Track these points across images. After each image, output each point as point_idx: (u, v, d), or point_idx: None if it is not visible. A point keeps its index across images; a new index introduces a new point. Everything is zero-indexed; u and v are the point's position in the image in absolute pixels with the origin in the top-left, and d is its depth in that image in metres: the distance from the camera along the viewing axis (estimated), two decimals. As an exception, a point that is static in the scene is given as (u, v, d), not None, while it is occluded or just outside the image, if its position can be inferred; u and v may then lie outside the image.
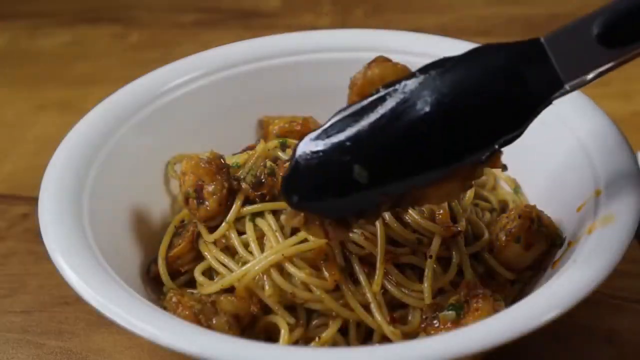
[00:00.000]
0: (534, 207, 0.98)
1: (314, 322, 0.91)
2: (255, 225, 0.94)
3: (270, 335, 0.91)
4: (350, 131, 0.79)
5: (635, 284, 1.05)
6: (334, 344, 0.90)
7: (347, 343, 0.90)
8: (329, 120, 0.81)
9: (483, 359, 0.90)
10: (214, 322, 0.87)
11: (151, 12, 1.79)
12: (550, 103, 0.83)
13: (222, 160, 0.98)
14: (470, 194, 1.03)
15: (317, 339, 0.90)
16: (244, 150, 1.05)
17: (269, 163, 0.97)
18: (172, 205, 1.08)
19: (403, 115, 0.79)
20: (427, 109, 0.78)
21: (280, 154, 1.00)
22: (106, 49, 1.68)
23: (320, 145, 0.80)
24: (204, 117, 1.12)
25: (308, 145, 0.80)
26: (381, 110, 0.80)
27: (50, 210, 0.91)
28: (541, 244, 0.96)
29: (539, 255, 0.96)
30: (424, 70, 0.81)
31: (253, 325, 0.91)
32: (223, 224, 0.96)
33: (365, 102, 0.81)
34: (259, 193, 0.95)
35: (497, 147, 0.81)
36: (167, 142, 1.08)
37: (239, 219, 0.96)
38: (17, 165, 1.34)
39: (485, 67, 0.80)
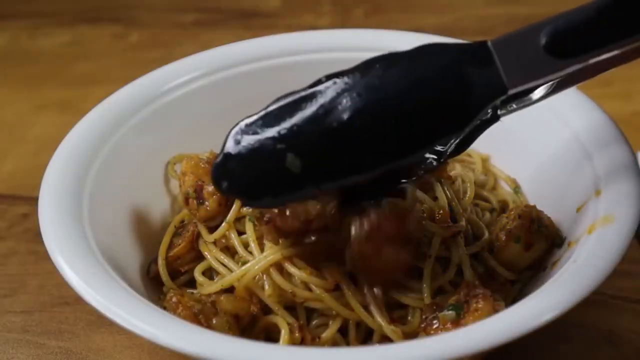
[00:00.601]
0: (534, 207, 0.98)
1: (314, 322, 0.91)
2: (255, 225, 0.94)
3: (270, 335, 0.91)
4: (286, 119, 0.78)
5: (635, 284, 1.05)
6: (334, 344, 0.90)
7: (347, 343, 0.90)
8: (266, 107, 0.79)
9: (483, 359, 0.90)
10: (214, 322, 0.87)
11: (151, 12, 1.79)
12: (497, 119, 0.82)
13: (222, 160, 0.98)
14: (470, 193, 1.03)
15: (317, 339, 0.90)
16: (244, 150, 1.05)
17: (269, 163, 0.97)
18: (172, 205, 1.08)
19: (342, 108, 0.77)
20: (366, 104, 0.77)
21: (280, 154, 1.00)
22: (106, 49, 1.68)
23: (254, 132, 0.78)
24: (204, 117, 1.12)
25: (242, 131, 0.79)
26: (320, 100, 0.78)
27: (50, 210, 0.91)
28: (541, 244, 0.96)
29: (539, 255, 0.96)
30: (368, 63, 0.79)
31: (253, 325, 0.91)
32: (223, 224, 0.96)
33: (305, 92, 0.79)
34: (259, 193, 0.95)
35: (442, 159, 0.81)
36: (167, 142, 1.08)
37: (239, 219, 0.96)
38: (17, 165, 1.34)
39: (429, 65, 0.79)
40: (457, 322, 0.84)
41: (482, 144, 1.11)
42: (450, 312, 0.86)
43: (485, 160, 1.12)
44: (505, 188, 1.10)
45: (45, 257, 0.87)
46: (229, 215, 0.95)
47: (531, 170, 1.06)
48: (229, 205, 0.96)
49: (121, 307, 0.80)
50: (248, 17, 1.76)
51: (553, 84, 0.83)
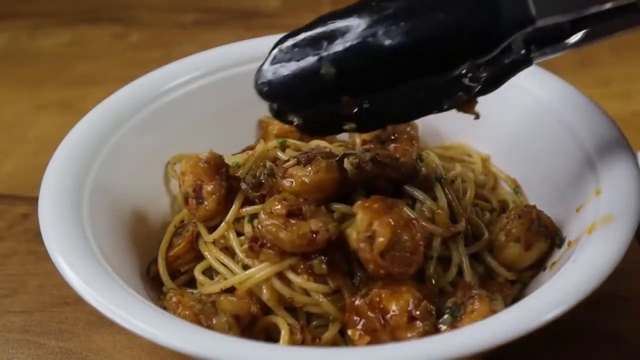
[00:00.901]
0: (534, 207, 0.98)
1: (314, 323, 0.91)
2: (254, 227, 0.94)
3: (270, 336, 0.91)
4: (327, 34, 0.83)
5: (635, 284, 1.05)
6: (334, 344, 0.90)
7: (347, 344, 0.90)
8: (310, 24, 0.85)
9: (483, 359, 0.90)
10: (214, 322, 0.87)
11: (151, 12, 1.79)
12: (530, 62, 0.85)
13: (221, 160, 0.98)
14: (470, 193, 1.02)
15: (317, 339, 0.90)
16: (243, 151, 1.05)
17: (268, 164, 0.97)
18: (172, 205, 1.08)
19: (378, 27, 0.82)
20: (400, 23, 0.81)
21: (279, 154, 1.00)
22: (106, 49, 1.68)
23: (297, 44, 0.84)
24: (204, 117, 1.12)
25: (286, 43, 0.84)
26: (358, 20, 0.83)
27: (50, 210, 0.91)
28: (541, 244, 0.96)
29: (539, 255, 0.96)
30: None
31: (253, 325, 0.91)
32: (222, 224, 0.95)
33: (345, 13, 0.84)
34: (259, 194, 0.95)
35: (471, 95, 0.85)
36: (167, 142, 1.08)
37: (239, 219, 0.96)
38: (17, 165, 1.34)
39: None
40: (453, 325, 0.84)
41: (482, 144, 1.12)
42: (446, 316, 0.86)
43: (485, 160, 1.12)
44: (505, 188, 1.10)
45: (45, 257, 0.87)
46: (228, 216, 0.95)
47: (531, 170, 1.06)
48: (228, 205, 0.96)
49: (121, 307, 0.80)
50: (248, 17, 1.76)
51: (587, 32, 0.85)
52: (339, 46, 0.82)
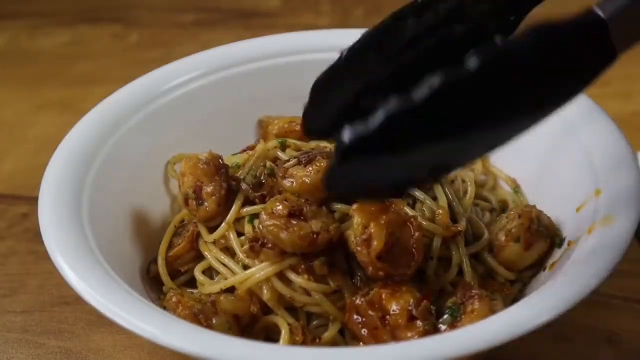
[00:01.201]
0: (534, 207, 0.98)
1: (314, 323, 0.91)
2: (254, 227, 0.94)
3: (270, 336, 0.91)
4: (410, 132, 0.67)
5: (635, 284, 1.05)
6: (334, 344, 0.90)
7: (347, 344, 0.90)
8: (376, 110, 0.66)
9: (484, 358, 0.90)
10: (214, 322, 0.87)
11: (151, 12, 1.79)
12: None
13: (220, 160, 0.98)
14: (471, 193, 1.02)
15: (317, 339, 0.90)
16: (244, 151, 1.05)
17: (269, 164, 0.97)
18: (172, 205, 1.08)
19: (460, 97, 0.68)
20: (485, 90, 0.70)
21: (280, 154, 1.00)
22: (106, 49, 1.68)
23: (374, 146, 0.67)
24: (204, 117, 1.12)
25: (358, 148, 0.67)
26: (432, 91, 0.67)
27: (50, 210, 0.91)
28: (541, 244, 0.96)
29: (539, 255, 0.96)
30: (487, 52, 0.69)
31: (253, 325, 0.91)
32: (223, 224, 0.95)
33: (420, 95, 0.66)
34: (259, 194, 0.95)
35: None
36: (167, 142, 1.08)
37: (239, 220, 0.96)
38: (17, 165, 1.34)
39: (546, 45, 0.72)
40: (453, 325, 0.84)
41: (482, 144, 1.12)
42: (446, 316, 0.86)
43: (485, 160, 1.12)
44: (505, 188, 1.10)
45: (45, 257, 0.87)
46: (229, 216, 0.95)
47: (531, 170, 1.06)
48: (228, 206, 0.96)
49: (121, 307, 0.80)
50: (248, 17, 1.76)
51: None
52: (429, 149, 0.68)
